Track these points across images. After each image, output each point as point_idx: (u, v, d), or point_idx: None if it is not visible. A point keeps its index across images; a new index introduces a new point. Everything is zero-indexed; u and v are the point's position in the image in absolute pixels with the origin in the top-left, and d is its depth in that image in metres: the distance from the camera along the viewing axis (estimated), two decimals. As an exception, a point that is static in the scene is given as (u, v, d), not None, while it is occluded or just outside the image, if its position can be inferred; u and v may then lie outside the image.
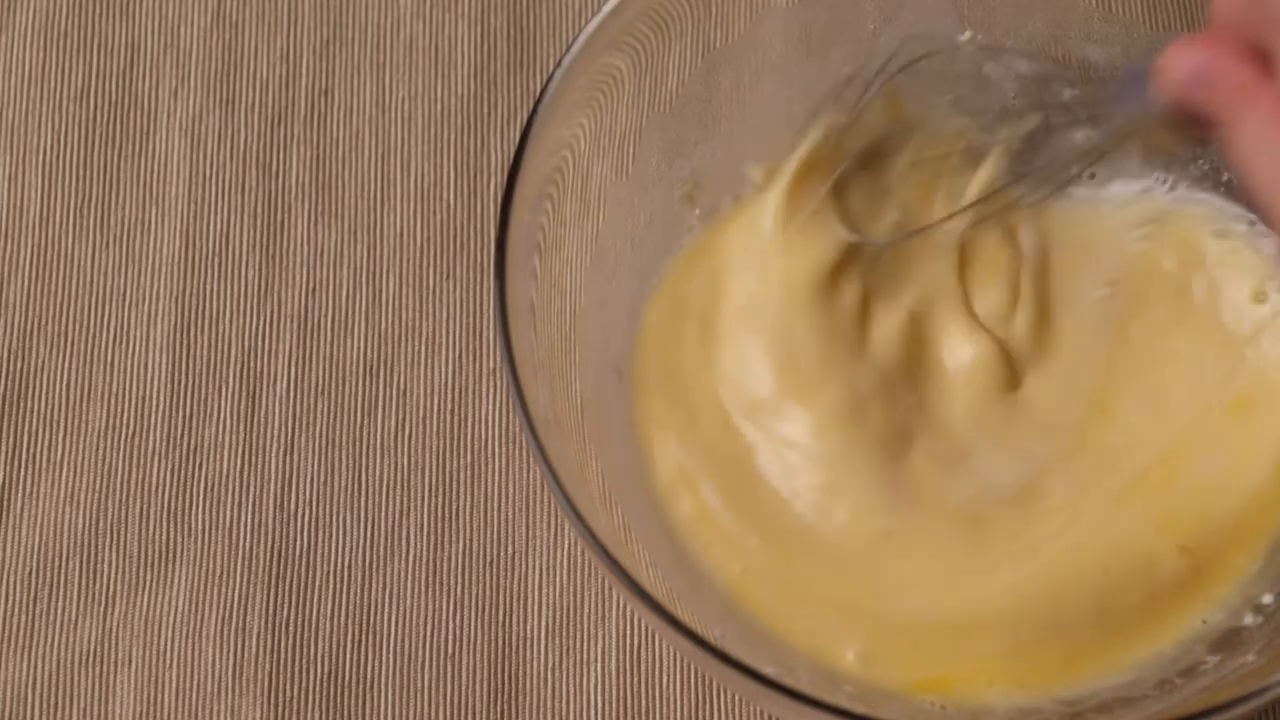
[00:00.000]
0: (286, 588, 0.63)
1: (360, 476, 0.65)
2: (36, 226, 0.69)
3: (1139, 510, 0.59)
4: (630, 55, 0.60)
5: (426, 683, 0.62)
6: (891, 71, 0.62)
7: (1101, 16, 0.64)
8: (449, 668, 0.62)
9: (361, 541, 0.64)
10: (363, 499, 0.64)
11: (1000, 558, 0.58)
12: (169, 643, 0.62)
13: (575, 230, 0.60)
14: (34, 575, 0.63)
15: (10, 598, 0.63)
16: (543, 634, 0.62)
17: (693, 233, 0.64)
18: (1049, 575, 0.58)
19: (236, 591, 0.63)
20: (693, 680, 0.61)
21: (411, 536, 0.64)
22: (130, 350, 0.67)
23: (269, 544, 0.64)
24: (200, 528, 0.64)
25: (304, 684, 0.62)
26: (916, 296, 0.62)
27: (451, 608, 0.63)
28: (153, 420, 0.66)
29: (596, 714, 0.61)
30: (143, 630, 0.63)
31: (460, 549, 0.63)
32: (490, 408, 0.66)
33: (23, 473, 0.65)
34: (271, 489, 0.65)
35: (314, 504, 0.64)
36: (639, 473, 0.61)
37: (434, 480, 0.65)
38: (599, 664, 0.62)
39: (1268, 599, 0.58)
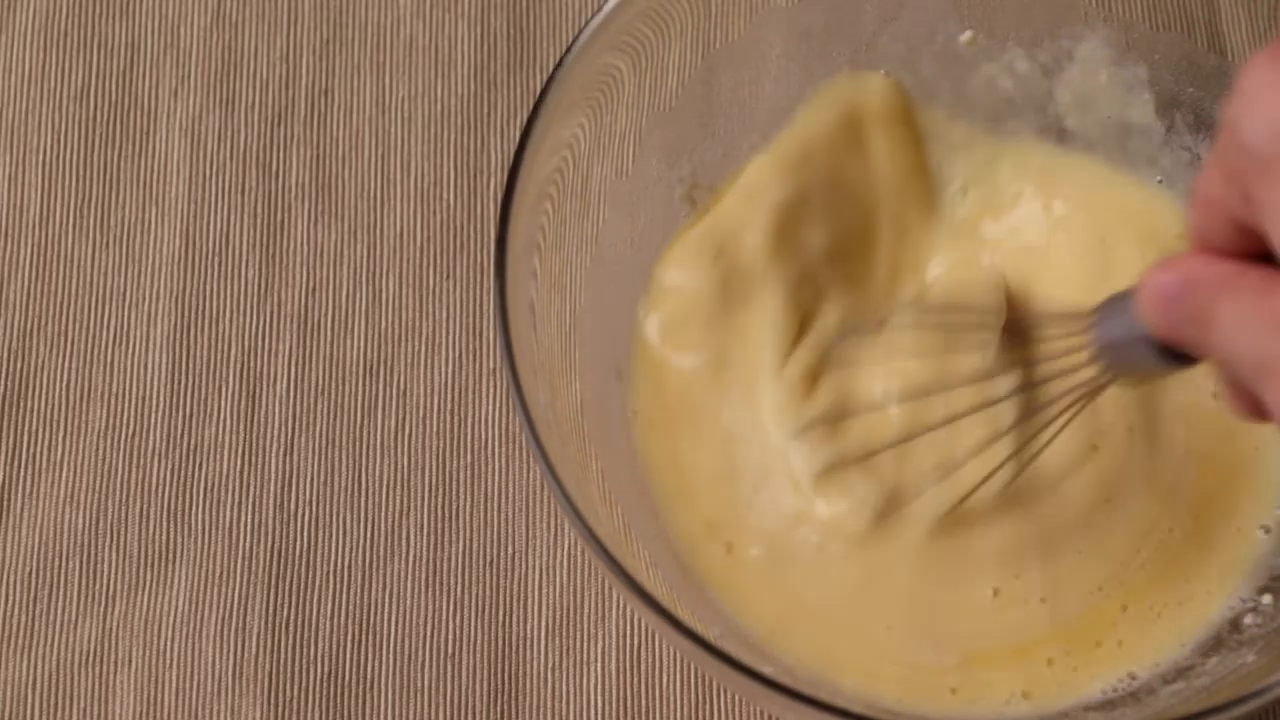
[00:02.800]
0: (286, 588, 0.63)
1: (360, 476, 0.65)
2: (36, 226, 0.69)
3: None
4: (630, 55, 0.60)
5: (426, 683, 0.62)
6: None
7: (1102, 17, 0.64)
8: (449, 668, 0.62)
9: (361, 541, 0.64)
10: (363, 499, 0.64)
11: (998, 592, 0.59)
12: (169, 643, 0.62)
13: (575, 230, 0.60)
14: (34, 575, 0.63)
15: (10, 598, 0.63)
16: (543, 634, 0.62)
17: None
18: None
19: (236, 591, 0.63)
20: (693, 680, 0.61)
21: (411, 536, 0.64)
22: (130, 350, 0.67)
23: (269, 544, 0.64)
24: (200, 528, 0.64)
25: (304, 684, 0.62)
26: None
27: (451, 608, 0.63)
28: (153, 420, 0.66)
29: (596, 714, 0.61)
30: (143, 630, 0.63)
31: (460, 549, 0.63)
32: (490, 408, 0.66)
33: (23, 473, 0.65)
34: (271, 489, 0.65)
35: (314, 504, 0.64)
36: (639, 473, 0.61)
37: (434, 480, 0.65)
38: (599, 664, 0.62)
39: (1267, 599, 0.58)
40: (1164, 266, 0.45)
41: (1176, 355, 0.47)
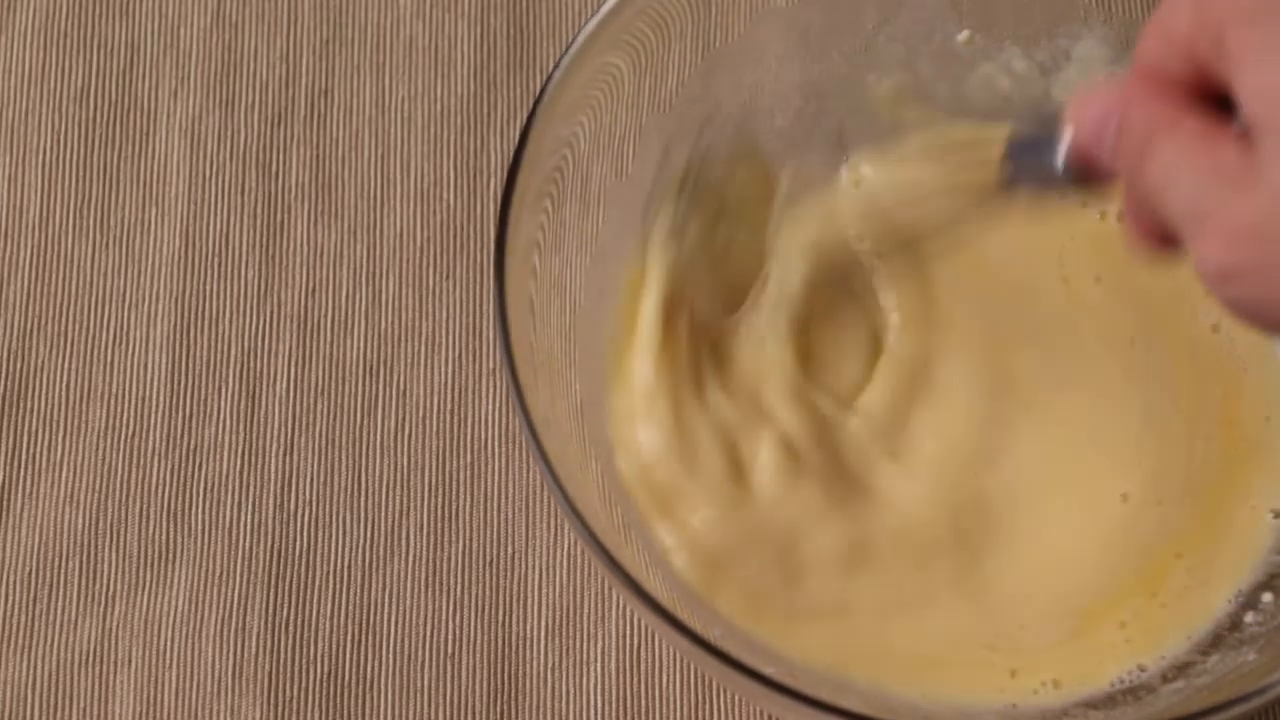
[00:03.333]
0: (286, 588, 0.63)
1: (360, 476, 0.65)
2: (36, 226, 0.69)
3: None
4: (630, 55, 0.60)
5: (426, 683, 0.62)
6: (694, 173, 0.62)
7: (1101, 16, 0.64)
8: (449, 668, 0.62)
9: (361, 541, 0.64)
10: (363, 499, 0.64)
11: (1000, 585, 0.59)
12: (169, 643, 0.62)
13: (575, 230, 0.60)
14: (34, 575, 0.63)
15: (10, 598, 0.63)
16: (543, 634, 0.62)
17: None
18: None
19: (236, 591, 0.63)
20: (693, 680, 0.61)
21: (411, 536, 0.64)
22: (130, 350, 0.67)
23: (269, 544, 0.64)
24: (200, 528, 0.64)
25: (304, 684, 0.62)
26: None
27: (451, 608, 0.63)
28: (153, 420, 0.66)
29: (596, 714, 0.61)
30: (143, 630, 0.63)
31: (460, 549, 0.63)
32: (490, 408, 0.66)
33: (23, 473, 0.65)
34: (271, 489, 0.65)
35: (314, 504, 0.64)
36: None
37: (434, 480, 0.65)
38: (599, 664, 0.62)
39: (1267, 598, 0.58)
40: (1101, 86, 0.44)
41: (1085, 177, 0.46)
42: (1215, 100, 0.41)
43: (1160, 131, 0.41)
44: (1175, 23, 0.41)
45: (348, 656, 0.62)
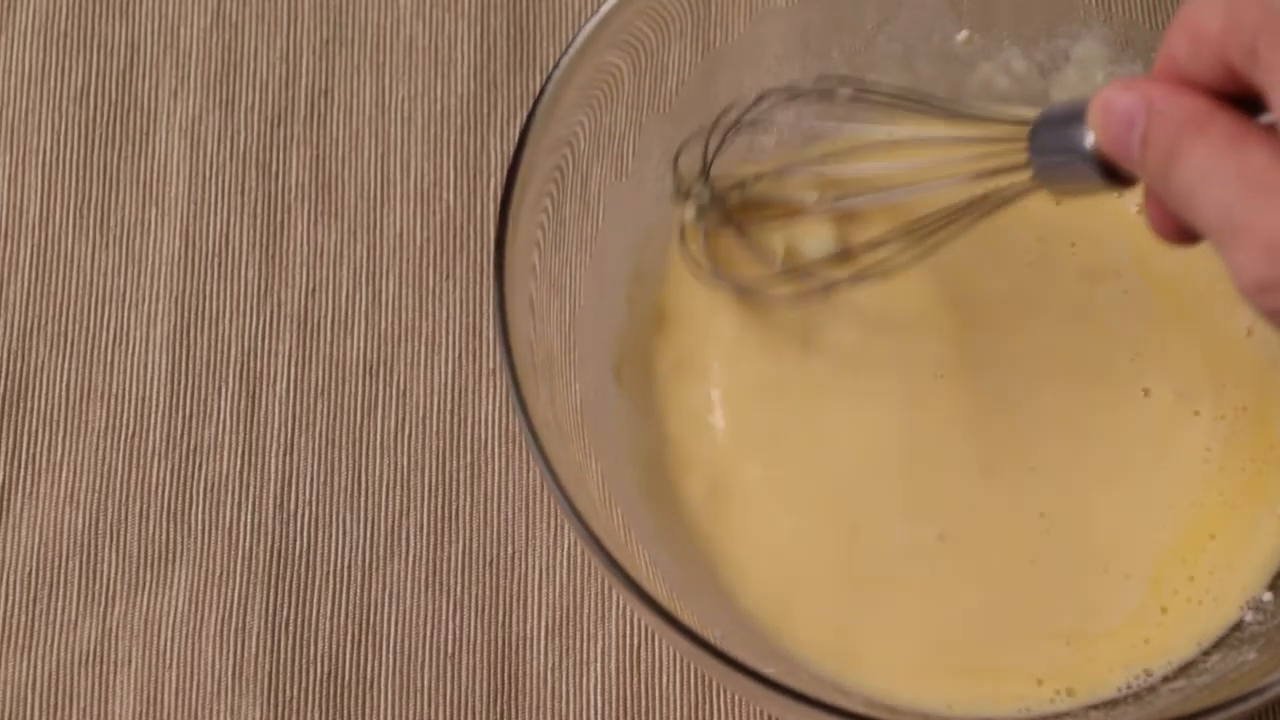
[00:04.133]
0: (286, 588, 0.63)
1: (360, 476, 0.65)
2: (36, 226, 0.69)
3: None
4: (630, 54, 0.60)
5: (426, 683, 0.62)
6: (727, 125, 0.61)
7: (1101, 16, 0.64)
8: (449, 668, 0.62)
9: (361, 541, 0.64)
10: (363, 499, 0.64)
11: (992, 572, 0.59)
12: (169, 643, 0.62)
13: (575, 230, 0.60)
14: (34, 575, 0.63)
15: (10, 598, 0.63)
16: (543, 634, 0.62)
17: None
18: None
19: (236, 591, 0.63)
20: (693, 680, 0.61)
21: (411, 536, 0.64)
22: (130, 350, 0.67)
23: (269, 544, 0.64)
24: (200, 528, 0.64)
25: (304, 684, 0.62)
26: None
27: (451, 608, 0.63)
28: (153, 420, 0.66)
29: (596, 714, 0.61)
30: (143, 630, 0.63)
31: (460, 549, 0.63)
32: (490, 408, 0.66)
33: (23, 473, 0.65)
34: (271, 489, 0.65)
35: (314, 504, 0.64)
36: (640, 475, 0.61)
37: (434, 480, 0.65)
38: (599, 664, 0.62)
39: (1267, 597, 0.58)
40: (1125, 85, 0.43)
41: (1113, 174, 0.46)
42: (1240, 103, 0.41)
43: (1189, 133, 0.40)
44: (1205, 23, 0.40)
45: (348, 656, 0.62)
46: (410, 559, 0.63)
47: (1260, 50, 0.38)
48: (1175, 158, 0.41)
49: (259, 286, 0.68)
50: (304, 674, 0.62)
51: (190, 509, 0.64)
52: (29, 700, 0.62)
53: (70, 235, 0.69)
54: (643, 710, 0.61)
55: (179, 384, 0.66)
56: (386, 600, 0.63)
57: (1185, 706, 0.53)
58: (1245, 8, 0.39)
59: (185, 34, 0.72)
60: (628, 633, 0.62)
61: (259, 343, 0.67)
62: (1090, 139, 0.45)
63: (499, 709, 0.61)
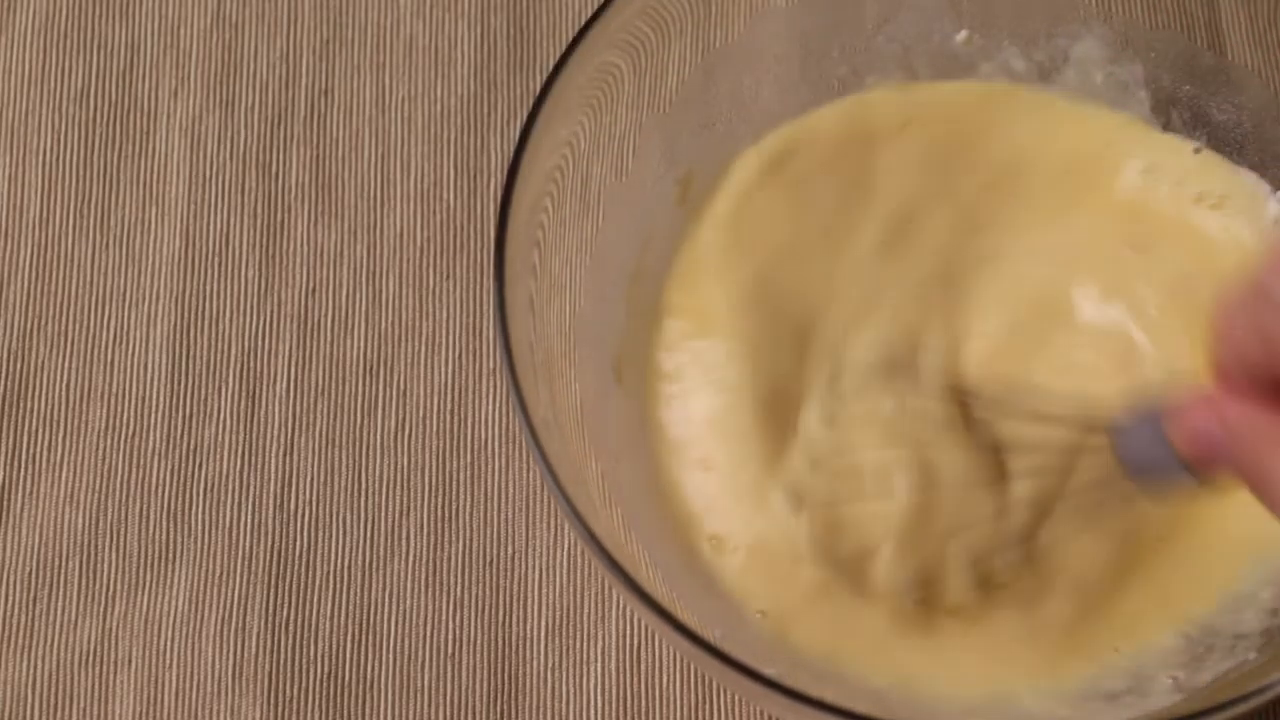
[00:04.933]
0: (286, 588, 0.63)
1: (360, 476, 0.65)
2: (36, 226, 0.69)
3: None
4: (630, 54, 0.60)
5: (426, 683, 0.62)
6: None
7: (1101, 16, 0.64)
8: (449, 668, 0.62)
9: (361, 541, 0.64)
10: (363, 499, 0.64)
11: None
12: (169, 643, 0.62)
13: (575, 230, 0.60)
14: (34, 575, 0.63)
15: (10, 598, 0.63)
16: (543, 634, 0.62)
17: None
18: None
19: (236, 591, 0.63)
20: (693, 680, 0.61)
21: (411, 536, 0.64)
22: (130, 350, 0.67)
23: (269, 544, 0.64)
24: (200, 528, 0.64)
25: (304, 684, 0.62)
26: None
27: (451, 608, 0.63)
28: (153, 420, 0.66)
29: (596, 714, 0.61)
30: (143, 630, 0.63)
31: (460, 549, 0.63)
32: (490, 408, 0.66)
33: (23, 473, 0.65)
34: (271, 489, 0.65)
35: (314, 504, 0.64)
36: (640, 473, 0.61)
37: (434, 480, 0.65)
38: (599, 664, 0.62)
39: (1267, 597, 0.58)
40: (1201, 408, 0.45)
41: (1198, 470, 0.47)
42: None
43: (1272, 451, 0.43)
44: (1237, 340, 0.43)
45: (348, 656, 0.62)
46: (410, 559, 0.63)
47: None
48: (1268, 473, 0.43)
49: (259, 286, 0.68)
50: (304, 674, 0.62)
51: (190, 509, 0.64)
52: (29, 700, 0.62)
53: (70, 235, 0.69)
54: (643, 710, 0.61)
55: (179, 384, 0.66)
56: (386, 600, 0.63)
57: (1185, 707, 0.53)
58: (1270, 321, 0.41)
59: (185, 34, 0.72)
60: (628, 633, 0.62)
61: (259, 343, 0.67)
62: (1170, 449, 0.47)
63: (499, 709, 0.61)
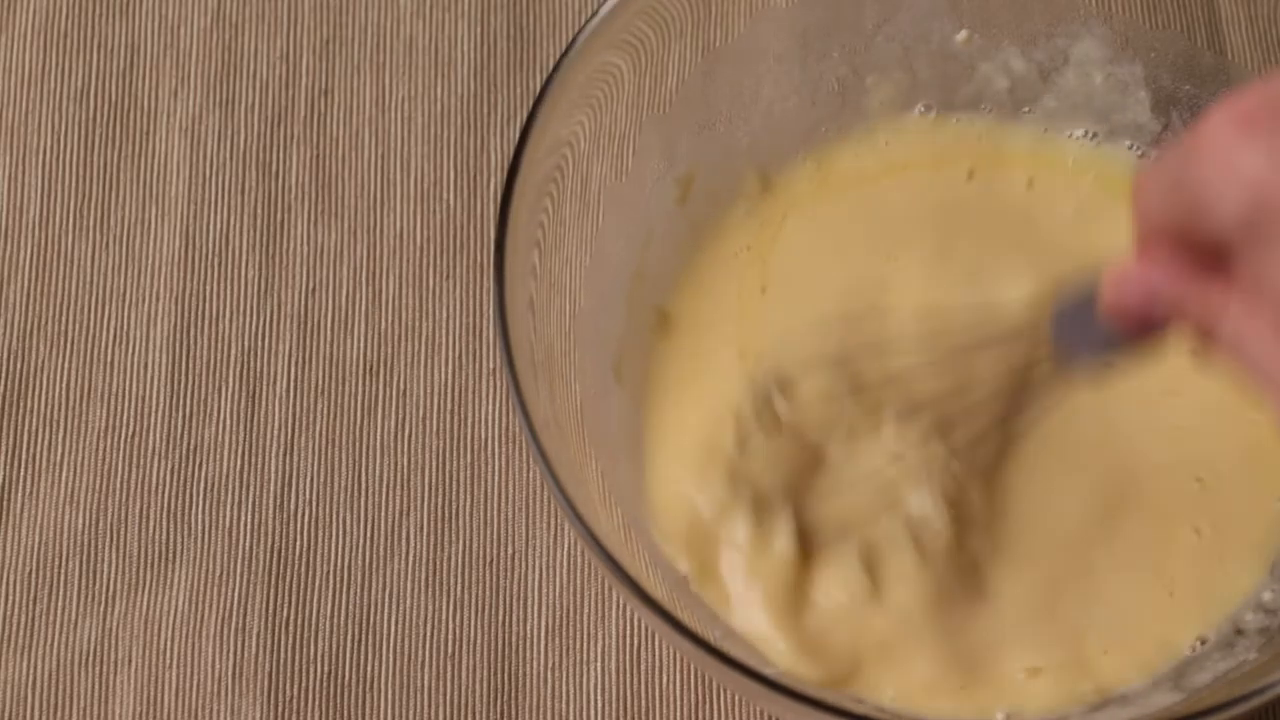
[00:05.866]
0: (286, 588, 0.63)
1: (360, 476, 0.65)
2: (36, 226, 0.69)
3: None
4: (630, 54, 0.60)
5: (426, 683, 0.62)
6: None
7: (1101, 16, 0.64)
8: (449, 668, 0.62)
9: (361, 541, 0.64)
10: (363, 499, 0.64)
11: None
12: (169, 643, 0.62)
13: (575, 230, 0.60)
14: (34, 575, 0.63)
15: (10, 598, 0.63)
16: (543, 634, 0.62)
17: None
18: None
19: (236, 591, 0.63)
20: (693, 680, 0.61)
21: (411, 536, 0.64)
22: (130, 350, 0.67)
23: (269, 544, 0.64)
24: (200, 528, 0.64)
25: (304, 684, 0.62)
26: None
27: (451, 608, 0.63)
28: (153, 420, 0.66)
29: (596, 714, 0.61)
30: (143, 630, 0.63)
31: (460, 549, 0.63)
32: (490, 408, 0.66)
33: (23, 473, 0.65)
34: (271, 489, 0.65)
35: (314, 504, 0.64)
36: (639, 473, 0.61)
37: (434, 480, 0.65)
38: (599, 664, 0.62)
39: (1267, 597, 0.58)
40: (1127, 272, 0.45)
41: (1137, 337, 0.47)
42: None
43: (1215, 317, 0.42)
44: (1156, 218, 0.43)
45: (348, 656, 0.62)
46: (410, 559, 0.63)
47: (1247, 260, 0.41)
48: (1210, 337, 0.43)
49: (259, 286, 0.68)
50: (304, 674, 0.62)
51: (190, 509, 0.64)
52: (29, 700, 0.62)
53: (70, 235, 0.69)
54: (643, 710, 0.61)
55: (179, 384, 0.66)
56: (386, 600, 0.63)
57: (1185, 707, 0.53)
58: (1187, 214, 0.41)
59: (185, 34, 0.72)
60: (628, 633, 0.62)
61: (259, 343, 0.67)
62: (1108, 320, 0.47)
63: (499, 709, 0.61)
